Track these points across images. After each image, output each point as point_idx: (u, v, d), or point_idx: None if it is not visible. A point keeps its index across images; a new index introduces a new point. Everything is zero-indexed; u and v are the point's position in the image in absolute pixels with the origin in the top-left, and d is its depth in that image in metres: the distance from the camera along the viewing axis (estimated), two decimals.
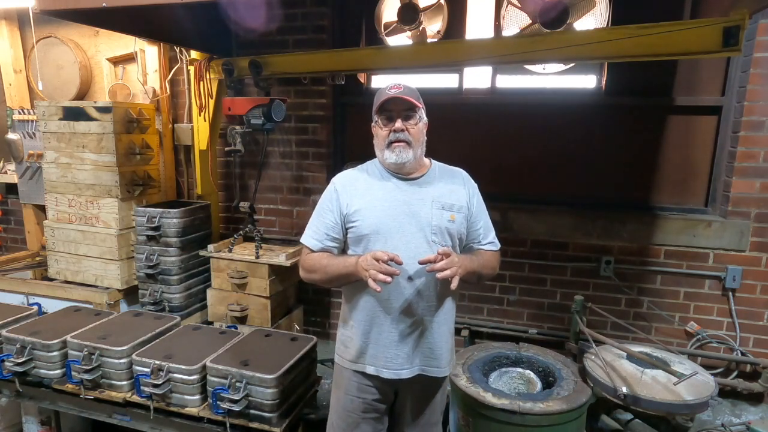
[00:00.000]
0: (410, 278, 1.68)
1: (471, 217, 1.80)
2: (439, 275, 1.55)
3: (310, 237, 1.79)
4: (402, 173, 1.76)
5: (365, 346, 1.76)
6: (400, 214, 1.70)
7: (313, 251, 1.78)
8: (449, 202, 1.74)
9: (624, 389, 1.98)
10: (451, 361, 1.87)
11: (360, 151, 3.29)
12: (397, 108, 1.70)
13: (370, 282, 1.54)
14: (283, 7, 3.27)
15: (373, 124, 1.79)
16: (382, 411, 1.83)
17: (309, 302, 3.59)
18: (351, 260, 1.67)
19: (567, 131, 3.14)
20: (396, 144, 1.70)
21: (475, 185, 1.86)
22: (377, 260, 1.55)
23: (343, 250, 1.82)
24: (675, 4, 2.83)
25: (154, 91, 3.62)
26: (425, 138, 1.78)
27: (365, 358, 1.76)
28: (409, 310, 1.71)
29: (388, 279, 1.53)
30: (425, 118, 1.78)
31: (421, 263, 1.59)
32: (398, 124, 1.69)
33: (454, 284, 1.57)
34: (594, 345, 2.21)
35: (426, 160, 1.85)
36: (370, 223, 1.70)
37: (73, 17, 2.65)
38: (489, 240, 1.86)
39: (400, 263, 1.57)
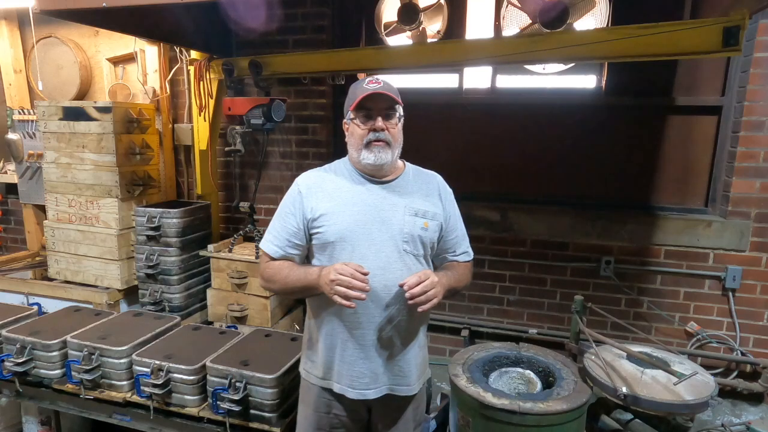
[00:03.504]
0: (378, 291, 1.54)
1: (446, 225, 1.69)
2: (417, 305, 1.46)
3: (269, 243, 1.65)
4: (377, 176, 1.63)
5: (331, 363, 1.65)
6: (370, 221, 1.57)
7: (273, 258, 1.64)
8: (423, 208, 1.62)
9: (624, 389, 1.98)
10: (422, 377, 1.76)
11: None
12: (378, 106, 1.57)
13: (339, 300, 1.44)
14: (283, 7, 3.27)
15: (346, 121, 1.65)
16: (355, 429, 1.74)
17: None
18: (313, 272, 1.54)
19: (567, 131, 3.14)
20: (375, 144, 1.57)
21: (450, 191, 1.75)
22: (343, 275, 1.43)
23: (306, 257, 1.70)
24: (675, 4, 2.83)
25: (154, 91, 3.62)
26: (402, 138, 1.66)
27: (331, 375, 1.66)
28: (377, 326, 1.58)
29: (362, 296, 1.42)
30: (403, 115, 1.66)
31: (400, 286, 1.48)
32: (379, 122, 1.56)
33: (424, 307, 1.47)
34: (594, 345, 2.21)
35: (400, 162, 1.71)
36: (336, 230, 1.56)
37: (73, 17, 2.64)
38: (463, 250, 1.75)
39: (365, 274, 1.44)
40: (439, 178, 1.76)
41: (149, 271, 3.14)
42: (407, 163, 1.75)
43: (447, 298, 1.68)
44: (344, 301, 1.44)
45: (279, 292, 1.72)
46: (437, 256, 1.74)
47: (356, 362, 1.62)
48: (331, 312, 1.62)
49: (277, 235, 1.64)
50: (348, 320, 1.60)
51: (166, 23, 2.98)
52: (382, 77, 1.63)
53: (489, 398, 1.95)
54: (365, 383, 1.62)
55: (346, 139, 1.66)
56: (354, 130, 1.62)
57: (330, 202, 1.60)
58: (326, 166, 1.73)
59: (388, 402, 1.69)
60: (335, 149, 3.50)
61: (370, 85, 1.57)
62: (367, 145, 1.58)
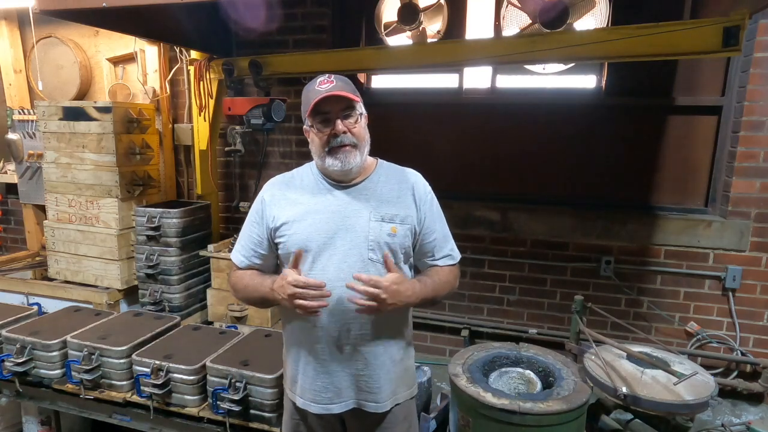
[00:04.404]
0: (338, 303, 1.46)
1: (422, 228, 1.56)
2: (359, 306, 1.39)
3: (237, 252, 1.61)
4: (344, 181, 1.53)
5: (296, 376, 1.60)
6: (333, 229, 1.48)
7: (240, 268, 1.60)
8: (390, 212, 1.50)
9: (624, 389, 1.98)
10: (397, 394, 1.61)
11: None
12: (334, 107, 1.45)
13: (302, 313, 1.40)
14: (283, 7, 3.27)
15: (305, 127, 1.53)
16: None
17: None
18: (266, 284, 1.49)
19: (567, 131, 3.14)
20: (341, 149, 1.46)
21: (428, 191, 1.60)
22: (298, 286, 1.38)
23: (277, 266, 1.63)
24: (675, 4, 2.83)
25: (154, 91, 3.62)
26: (369, 135, 1.55)
27: (296, 389, 1.60)
28: (339, 337, 1.50)
29: (324, 303, 1.38)
30: (365, 111, 1.54)
31: (347, 286, 1.39)
32: (339, 126, 1.44)
33: (361, 307, 1.39)
34: (594, 345, 2.21)
35: (371, 160, 1.59)
36: (297, 239, 1.48)
37: (73, 17, 2.65)
38: (444, 253, 1.61)
39: (321, 287, 1.39)
40: (415, 176, 1.62)
41: (149, 271, 3.14)
42: (380, 161, 1.63)
43: (426, 306, 1.60)
44: (309, 313, 1.41)
45: (243, 301, 1.63)
46: (419, 261, 1.64)
47: (318, 377, 1.55)
48: (294, 325, 1.57)
49: (244, 245, 1.60)
50: (308, 333, 1.53)
51: (166, 23, 2.98)
52: (335, 75, 1.51)
53: (489, 398, 1.95)
54: (328, 398, 1.55)
55: (309, 147, 1.55)
56: (313, 137, 1.51)
57: (292, 210, 1.52)
58: (294, 171, 1.64)
59: (362, 417, 1.59)
60: None
61: (322, 86, 1.45)
62: (331, 151, 1.47)
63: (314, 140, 1.51)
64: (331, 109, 1.46)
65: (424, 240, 1.58)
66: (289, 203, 1.54)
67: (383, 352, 1.55)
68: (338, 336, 1.50)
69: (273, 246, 1.56)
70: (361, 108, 1.52)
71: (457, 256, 1.66)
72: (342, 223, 1.49)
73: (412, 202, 1.55)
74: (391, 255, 1.49)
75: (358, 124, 1.50)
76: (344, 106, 1.47)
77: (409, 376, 1.68)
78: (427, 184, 1.63)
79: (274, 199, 1.56)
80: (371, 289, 1.38)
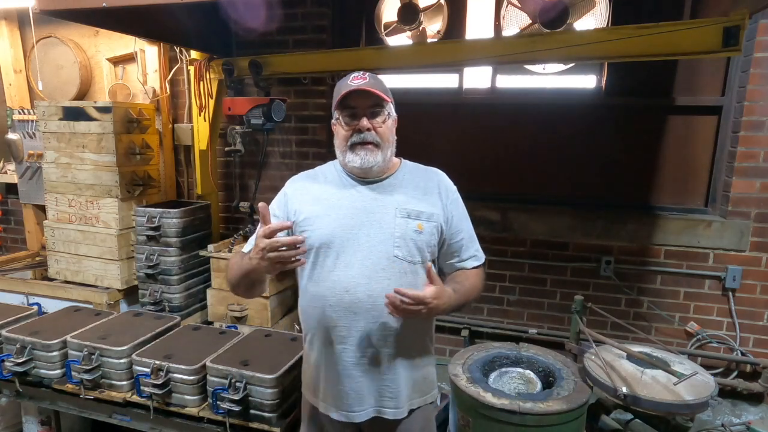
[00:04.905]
0: (363, 302, 1.42)
1: (449, 227, 1.54)
2: (394, 312, 1.33)
3: (249, 245, 1.51)
4: (368, 177, 1.51)
5: (317, 380, 1.55)
6: (357, 225, 1.45)
7: None
8: (417, 209, 1.48)
9: (624, 389, 1.97)
10: (415, 398, 1.57)
11: None
12: (362, 104, 1.44)
13: (280, 267, 1.31)
14: (283, 7, 3.27)
15: (333, 121, 1.52)
16: None
17: None
18: (247, 258, 1.41)
19: (567, 131, 3.14)
20: (362, 146, 1.44)
21: (454, 189, 1.59)
22: (265, 237, 1.27)
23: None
24: (675, 4, 2.83)
25: (154, 91, 3.62)
26: (395, 137, 1.53)
27: (318, 393, 1.56)
28: (360, 340, 1.45)
29: (295, 254, 1.27)
30: (394, 113, 1.53)
31: (387, 300, 1.32)
32: (364, 122, 1.43)
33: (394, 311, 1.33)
34: (594, 345, 2.21)
35: (396, 160, 1.59)
36: (320, 234, 1.45)
37: (73, 17, 2.65)
38: (471, 254, 1.60)
39: (288, 228, 1.32)
40: (440, 175, 1.61)
41: (149, 271, 3.14)
42: (404, 161, 1.62)
43: (456, 312, 1.56)
44: (291, 263, 1.30)
45: (233, 287, 1.51)
46: (445, 263, 1.61)
47: (340, 380, 1.49)
48: (314, 326, 1.52)
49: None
50: (329, 332, 1.47)
51: (166, 23, 2.98)
52: (370, 73, 1.49)
53: (489, 398, 1.95)
54: (349, 404, 1.49)
55: (334, 141, 1.54)
56: (338, 130, 1.50)
57: (315, 206, 1.49)
58: (316, 168, 1.63)
59: (381, 425, 1.54)
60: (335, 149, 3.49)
61: (354, 81, 1.43)
62: (352, 147, 1.45)
63: (338, 134, 1.50)
64: (358, 105, 1.44)
65: (451, 239, 1.56)
66: (313, 198, 1.51)
67: (405, 356, 1.52)
68: (361, 337, 1.46)
69: None
70: (390, 109, 1.50)
71: (482, 257, 1.63)
72: (366, 219, 1.46)
73: (438, 200, 1.53)
74: (417, 253, 1.46)
75: (385, 124, 1.48)
76: (372, 104, 1.45)
77: (428, 381, 1.64)
78: (451, 183, 1.61)
79: (297, 194, 1.54)
80: (413, 308, 1.32)
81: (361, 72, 1.48)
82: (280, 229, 1.29)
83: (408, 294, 1.31)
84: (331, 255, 1.45)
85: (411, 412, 1.58)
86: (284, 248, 1.28)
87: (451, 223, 1.55)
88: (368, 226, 1.45)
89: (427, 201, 1.52)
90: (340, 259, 1.44)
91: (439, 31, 2.74)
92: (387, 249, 1.43)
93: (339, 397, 1.50)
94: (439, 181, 1.59)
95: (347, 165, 1.50)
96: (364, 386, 1.49)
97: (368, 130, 1.44)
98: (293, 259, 1.30)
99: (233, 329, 2.70)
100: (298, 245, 1.28)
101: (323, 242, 1.45)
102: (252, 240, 1.50)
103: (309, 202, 1.51)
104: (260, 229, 1.31)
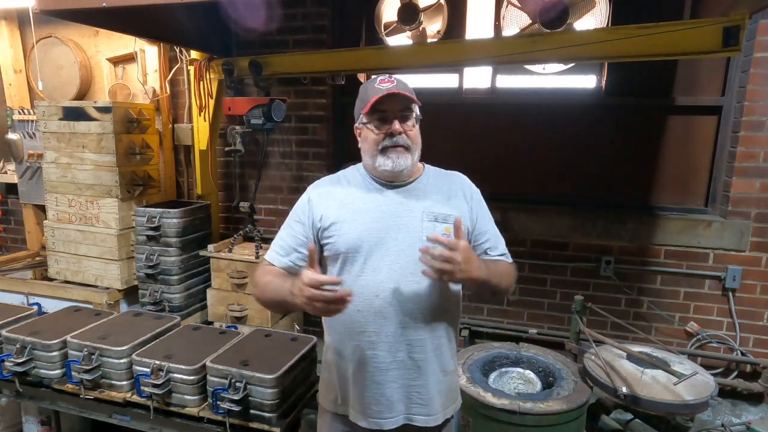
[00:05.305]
0: (392, 307, 1.41)
1: (476, 229, 1.54)
2: (427, 271, 1.28)
3: (273, 251, 1.51)
4: (396, 181, 1.50)
5: (343, 388, 1.52)
6: (384, 229, 1.43)
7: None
8: (444, 212, 1.46)
9: (624, 389, 1.98)
10: (448, 406, 1.55)
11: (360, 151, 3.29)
12: (392, 107, 1.43)
13: (320, 314, 1.30)
14: (283, 7, 3.28)
15: (358, 125, 1.50)
16: None
17: None
18: (287, 285, 1.36)
19: (567, 131, 3.14)
20: (393, 149, 1.43)
21: (477, 190, 1.59)
22: (312, 287, 1.24)
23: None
24: (675, 4, 2.83)
25: (154, 91, 3.62)
26: (421, 140, 1.52)
27: (344, 401, 1.53)
28: (389, 345, 1.43)
29: (348, 300, 1.26)
30: (420, 115, 1.52)
31: (421, 250, 1.30)
32: (396, 126, 1.42)
33: (429, 269, 1.29)
34: (594, 345, 2.21)
35: (419, 165, 1.58)
36: (347, 239, 1.43)
37: (73, 17, 2.65)
38: (499, 252, 1.59)
39: (337, 283, 1.29)
40: (463, 178, 1.61)
41: (149, 271, 3.14)
42: (427, 165, 1.61)
43: (485, 294, 1.53)
44: (332, 313, 1.30)
45: (259, 299, 1.49)
46: None
47: (369, 386, 1.46)
48: (341, 331, 1.49)
49: (283, 244, 1.51)
50: (359, 339, 1.45)
51: (166, 23, 2.99)
52: (395, 75, 1.49)
53: (489, 398, 1.95)
54: (378, 411, 1.46)
55: (360, 145, 1.52)
56: (367, 135, 1.47)
57: (341, 210, 1.47)
58: (338, 173, 1.60)
59: None
60: (335, 149, 3.50)
61: (382, 85, 1.42)
62: (383, 150, 1.44)
63: (368, 138, 1.47)
64: (388, 109, 1.43)
65: (477, 241, 1.54)
66: (338, 203, 1.49)
67: (435, 361, 1.49)
68: (390, 342, 1.44)
69: (318, 247, 1.49)
70: (418, 111, 1.49)
71: (510, 258, 1.62)
72: (394, 223, 1.44)
73: (463, 202, 1.53)
74: None
75: (415, 128, 1.47)
76: (403, 107, 1.44)
77: (454, 388, 1.62)
78: (474, 185, 1.61)
79: (322, 199, 1.51)
80: (448, 253, 1.28)
81: (387, 75, 1.47)
82: (330, 283, 1.27)
83: (440, 239, 1.30)
84: (359, 260, 1.44)
85: (446, 421, 1.56)
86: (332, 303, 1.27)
87: (477, 225, 1.55)
88: (396, 230, 1.44)
89: (452, 204, 1.51)
90: (368, 263, 1.43)
91: (439, 31, 2.74)
92: (415, 253, 1.37)
93: (369, 404, 1.47)
94: (463, 183, 1.59)
95: (377, 168, 1.47)
96: (394, 392, 1.46)
97: (400, 133, 1.43)
98: (338, 310, 1.29)
99: (233, 329, 2.69)
100: (347, 298, 1.27)
101: (350, 247, 1.44)
102: (275, 246, 1.52)
103: (334, 206, 1.48)
104: (309, 274, 1.28)
